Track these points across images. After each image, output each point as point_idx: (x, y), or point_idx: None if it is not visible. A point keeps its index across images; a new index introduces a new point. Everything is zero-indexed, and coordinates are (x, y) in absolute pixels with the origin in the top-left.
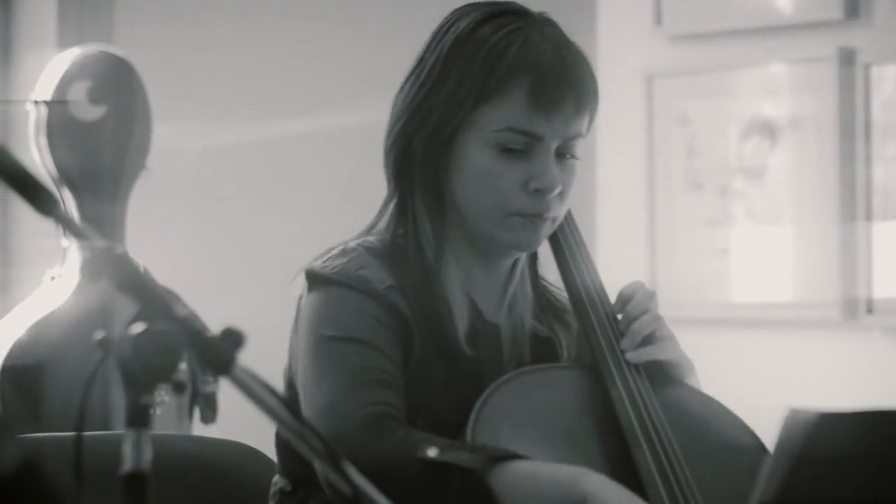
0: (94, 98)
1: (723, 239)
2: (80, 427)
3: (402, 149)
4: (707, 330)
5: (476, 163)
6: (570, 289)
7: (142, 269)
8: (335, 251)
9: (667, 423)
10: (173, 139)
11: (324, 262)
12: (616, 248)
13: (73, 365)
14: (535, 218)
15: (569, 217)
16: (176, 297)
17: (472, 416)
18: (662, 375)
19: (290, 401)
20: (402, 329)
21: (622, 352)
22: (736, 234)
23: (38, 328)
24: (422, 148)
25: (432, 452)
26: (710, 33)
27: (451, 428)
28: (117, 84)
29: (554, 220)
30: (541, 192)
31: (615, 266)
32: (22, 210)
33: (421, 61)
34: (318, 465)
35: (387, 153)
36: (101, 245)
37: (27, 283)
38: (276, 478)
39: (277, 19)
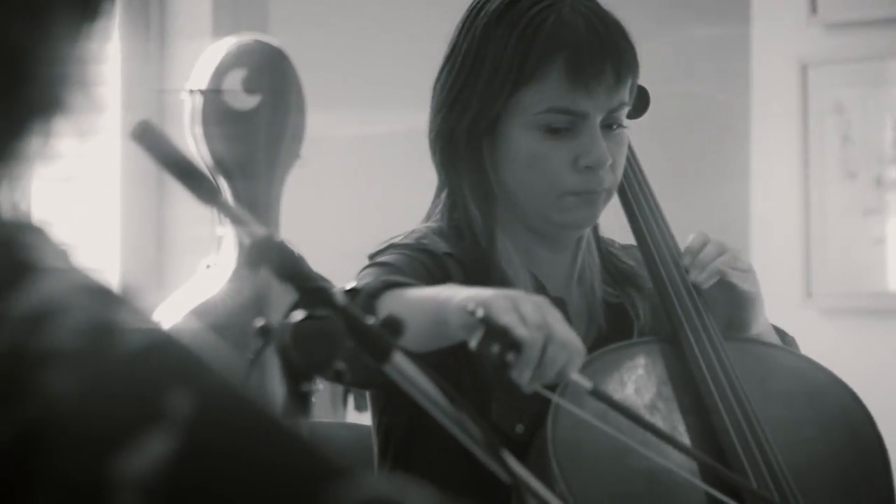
0: (249, 87)
1: (878, 228)
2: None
3: (445, 139)
4: (862, 320)
5: (522, 147)
6: (642, 246)
7: (300, 257)
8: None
9: (745, 387)
10: (327, 128)
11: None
12: (770, 237)
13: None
14: (588, 195)
15: (636, 171)
16: (332, 286)
17: (551, 410)
18: (743, 336)
19: (448, 389)
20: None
21: (696, 304)
22: (892, 223)
23: (194, 316)
24: (465, 138)
25: (353, 283)
26: (865, 21)
27: (529, 414)
28: (272, 73)
29: (609, 191)
30: (591, 169)
31: (770, 256)
32: (177, 198)
33: (454, 48)
34: (479, 454)
35: (432, 145)
36: (261, 233)
37: (183, 272)
38: None
39: (434, 7)
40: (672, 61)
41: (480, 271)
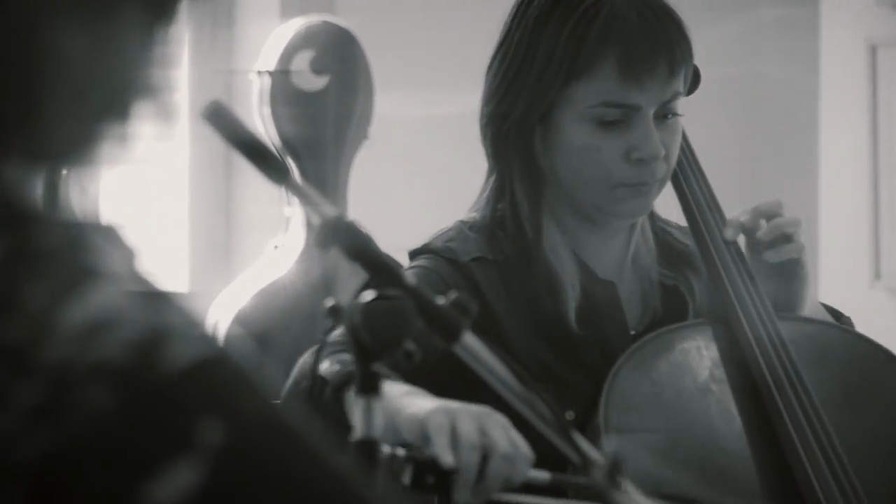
0: (317, 68)
1: None
2: (311, 394)
3: (497, 127)
4: None
5: (574, 139)
6: (695, 230)
7: (370, 237)
8: (442, 229)
9: (799, 367)
10: (395, 109)
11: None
12: (839, 218)
13: (297, 333)
14: (641, 186)
15: (689, 157)
16: (401, 267)
17: (604, 393)
18: (797, 315)
19: (518, 369)
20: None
21: (749, 287)
22: None
23: (262, 297)
24: (516, 127)
25: (322, 367)
26: None
27: (579, 402)
28: (340, 54)
29: (662, 181)
30: (644, 161)
31: (838, 236)
32: (245, 179)
33: (506, 37)
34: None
35: (483, 131)
36: (332, 213)
37: (250, 252)
38: None
39: None
40: (740, 42)
41: (521, 266)
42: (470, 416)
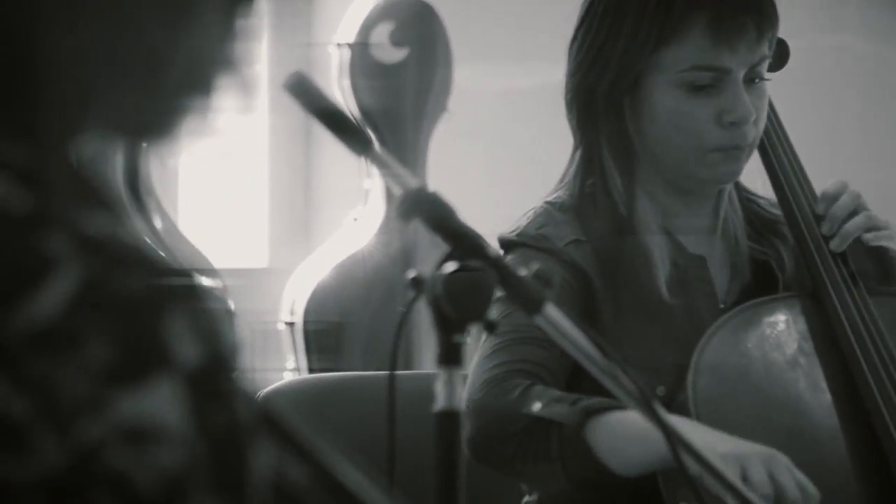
0: (397, 40)
1: None
2: (393, 366)
3: (584, 99)
4: None
5: (665, 105)
6: (782, 201)
7: (453, 209)
8: (528, 212)
9: (891, 342)
10: (474, 81)
11: (514, 224)
12: None
13: (377, 306)
14: (733, 150)
15: (776, 125)
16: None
17: (692, 366)
18: (888, 289)
19: (600, 342)
20: (580, 285)
21: (837, 260)
22: None
23: (342, 269)
24: (605, 97)
25: (535, 408)
26: None
27: (669, 378)
28: (419, 26)
29: (752, 145)
30: (736, 125)
31: None
32: (325, 152)
33: (590, 8)
34: (632, 405)
35: (569, 105)
36: (414, 184)
37: (330, 225)
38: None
39: None
40: (822, 13)
41: (614, 243)
42: (760, 461)
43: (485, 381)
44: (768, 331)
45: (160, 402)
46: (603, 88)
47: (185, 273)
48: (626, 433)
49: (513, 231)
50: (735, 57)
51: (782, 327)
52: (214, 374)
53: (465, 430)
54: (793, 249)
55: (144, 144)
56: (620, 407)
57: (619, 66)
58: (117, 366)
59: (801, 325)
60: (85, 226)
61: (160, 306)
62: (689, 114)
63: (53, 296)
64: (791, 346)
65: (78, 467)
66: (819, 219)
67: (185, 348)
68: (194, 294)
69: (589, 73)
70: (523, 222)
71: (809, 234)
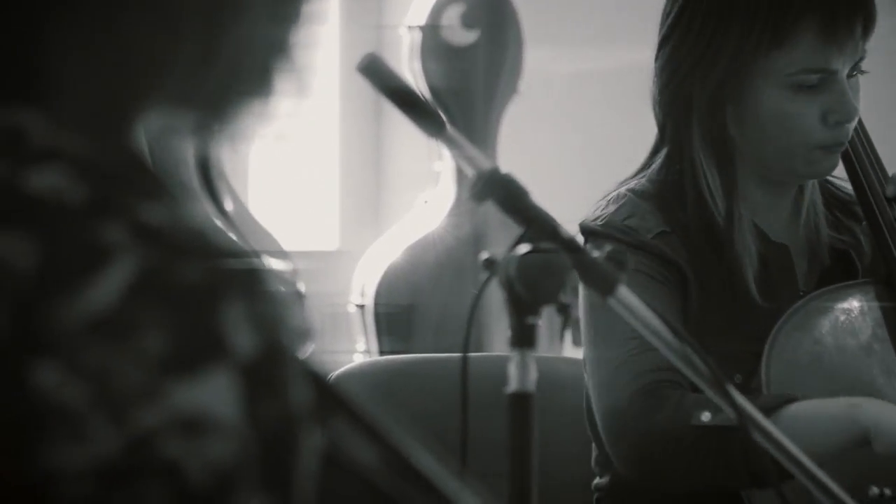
0: (467, 22)
1: None
2: (466, 348)
3: (681, 98)
4: None
5: (772, 107)
6: (856, 186)
7: (526, 191)
8: (609, 197)
9: None
10: (545, 63)
11: (595, 212)
12: None
13: (447, 288)
14: (836, 147)
15: None
16: (555, 220)
17: (766, 352)
18: None
19: (673, 324)
20: (674, 277)
21: None
22: None
23: (412, 251)
24: (706, 98)
25: (705, 418)
26: None
27: (746, 365)
28: (490, 9)
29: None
30: (840, 124)
31: None
32: (396, 134)
33: (686, 5)
34: (704, 388)
35: (660, 100)
36: (488, 166)
37: (400, 207)
38: (596, 480)
39: None
40: None
41: (702, 235)
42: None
43: (631, 395)
44: (842, 317)
45: (214, 394)
46: (706, 91)
47: (247, 259)
48: (809, 421)
49: (596, 219)
50: (842, 58)
51: (856, 313)
52: (269, 366)
53: (618, 447)
54: (867, 234)
55: (206, 130)
56: (791, 399)
57: (724, 70)
58: (173, 355)
59: (876, 311)
60: (143, 215)
61: (217, 295)
62: (795, 114)
63: (110, 285)
64: (865, 332)
65: (131, 455)
66: (892, 202)
67: (241, 339)
68: (254, 281)
69: (691, 74)
70: (607, 211)
71: (883, 219)
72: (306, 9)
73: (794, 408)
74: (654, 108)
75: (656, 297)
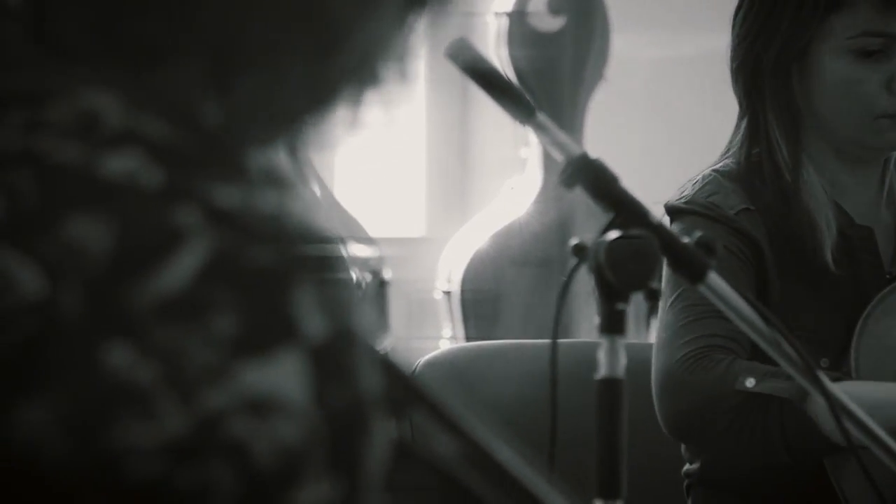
0: (554, 9)
1: None
2: (555, 334)
3: (750, 67)
4: None
5: (835, 73)
6: None
7: (616, 177)
8: (695, 178)
9: None
10: (631, 49)
11: (680, 192)
12: None
13: (533, 274)
14: None
15: None
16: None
17: (855, 336)
18: None
19: (763, 310)
20: (753, 254)
21: None
22: None
23: (499, 238)
24: (772, 65)
25: (749, 383)
26: None
27: (833, 348)
28: None
29: None
30: None
31: None
32: (481, 120)
33: None
34: (794, 374)
35: (734, 73)
36: (577, 152)
37: (486, 194)
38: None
39: None
40: None
41: (781, 212)
42: None
43: (683, 356)
44: None
45: (283, 376)
46: (770, 57)
47: (322, 245)
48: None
49: (680, 199)
50: None
51: None
52: (339, 351)
53: (663, 406)
54: None
55: (309, 118)
56: (839, 378)
57: (787, 34)
58: (242, 337)
59: None
60: (217, 198)
61: (288, 279)
62: (858, 80)
63: (182, 267)
64: None
65: (199, 434)
66: None
67: (312, 322)
68: (327, 267)
69: (755, 41)
70: (691, 190)
71: None
72: (418, 21)
73: (840, 386)
74: (731, 79)
75: (733, 271)
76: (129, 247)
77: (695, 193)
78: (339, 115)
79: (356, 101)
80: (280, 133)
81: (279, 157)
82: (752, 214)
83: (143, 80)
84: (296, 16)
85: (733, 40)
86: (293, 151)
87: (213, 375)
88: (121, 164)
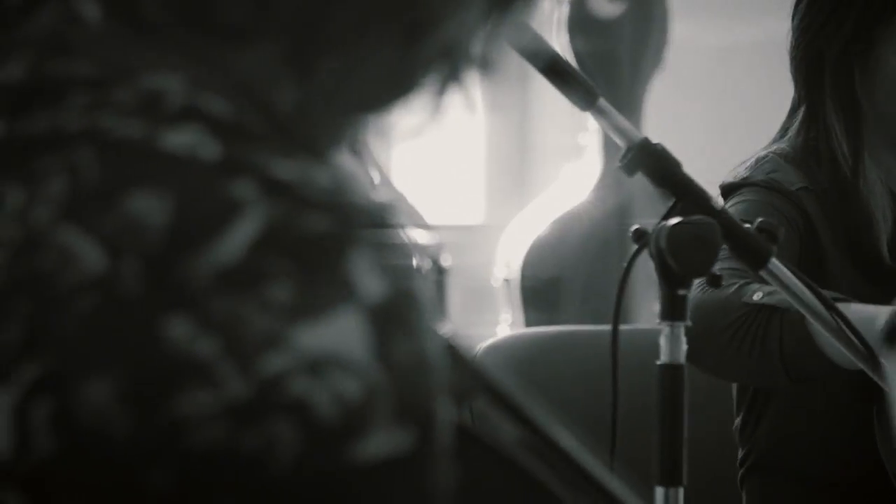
0: None
1: None
2: (616, 320)
3: (812, 58)
4: None
5: (894, 76)
6: None
7: (677, 162)
8: (749, 161)
9: None
10: (691, 35)
11: (735, 172)
12: None
13: (593, 261)
14: None
15: None
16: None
17: None
18: None
19: (824, 297)
20: (808, 230)
21: None
22: None
23: (558, 225)
24: (834, 59)
25: (757, 297)
26: None
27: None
28: None
29: None
30: None
31: None
32: (540, 106)
33: None
34: (861, 363)
35: (795, 62)
36: (638, 138)
37: (545, 180)
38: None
39: None
40: None
41: (837, 210)
42: None
43: (699, 282)
44: None
45: (342, 335)
46: (832, 52)
47: (382, 216)
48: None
49: (737, 175)
50: None
51: None
52: (399, 309)
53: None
54: None
55: (378, 113)
56: (846, 299)
57: (850, 32)
58: (299, 302)
59: None
60: (274, 170)
61: (344, 244)
62: None
63: (238, 237)
64: None
65: (260, 397)
66: None
67: (369, 283)
68: (384, 233)
69: (820, 33)
70: (745, 170)
71: None
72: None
73: (843, 306)
74: (790, 67)
75: (788, 242)
76: (186, 219)
77: (753, 171)
78: (421, 102)
79: (439, 89)
80: (359, 118)
81: (344, 142)
82: (810, 194)
83: (218, 61)
84: (381, 1)
85: (794, 31)
86: (362, 137)
87: (271, 341)
88: (180, 139)
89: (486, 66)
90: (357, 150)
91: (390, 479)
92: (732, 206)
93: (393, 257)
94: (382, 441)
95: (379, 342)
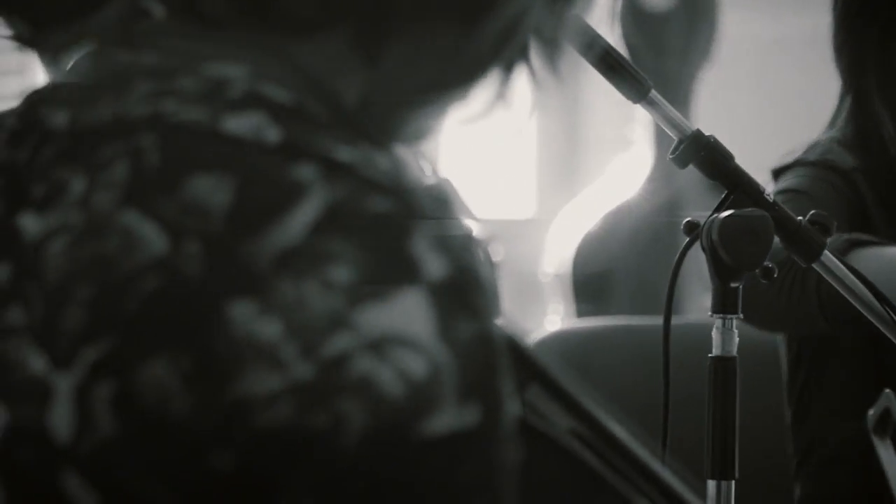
0: None
1: None
2: (668, 312)
3: (854, 44)
4: None
5: None
6: None
7: (730, 155)
8: (796, 151)
9: None
10: (743, 28)
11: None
12: None
13: (643, 254)
14: None
15: None
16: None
17: None
18: None
19: (875, 288)
20: (859, 208)
21: None
22: None
23: (609, 218)
24: (875, 44)
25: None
26: None
27: None
28: None
29: None
30: None
31: None
32: (590, 100)
33: None
34: None
35: (838, 49)
36: (691, 130)
37: (595, 174)
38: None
39: None
40: None
41: (890, 183)
42: None
43: None
44: None
45: (405, 314)
46: (873, 34)
47: (439, 197)
48: (888, 264)
49: (789, 158)
50: None
51: None
52: (461, 288)
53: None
54: None
55: (444, 99)
56: (886, 244)
57: (887, 16)
58: (362, 282)
59: None
60: (335, 154)
61: (406, 225)
62: None
63: (300, 218)
64: None
65: (325, 377)
66: None
67: (432, 263)
68: (445, 214)
69: (858, 18)
70: (800, 154)
71: None
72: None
73: (876, 249)
74: (834, 56)
75: (827, 200)
76: (248, 201)
77: (806, 153)
78: (485, 89)
79: (504, 72)
80: (425, 103)
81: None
82: (863, 175)
83: (281, 53)
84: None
85: (834, 20)
86: (428, 125)
87: (334, 322)
88: (242, 124)
89: (550, 47)
90: (413, 143)
91: (457, 454)
92: (785, 182)
93: (454, 235)
94: (449, 417)
95: (442, 321)
